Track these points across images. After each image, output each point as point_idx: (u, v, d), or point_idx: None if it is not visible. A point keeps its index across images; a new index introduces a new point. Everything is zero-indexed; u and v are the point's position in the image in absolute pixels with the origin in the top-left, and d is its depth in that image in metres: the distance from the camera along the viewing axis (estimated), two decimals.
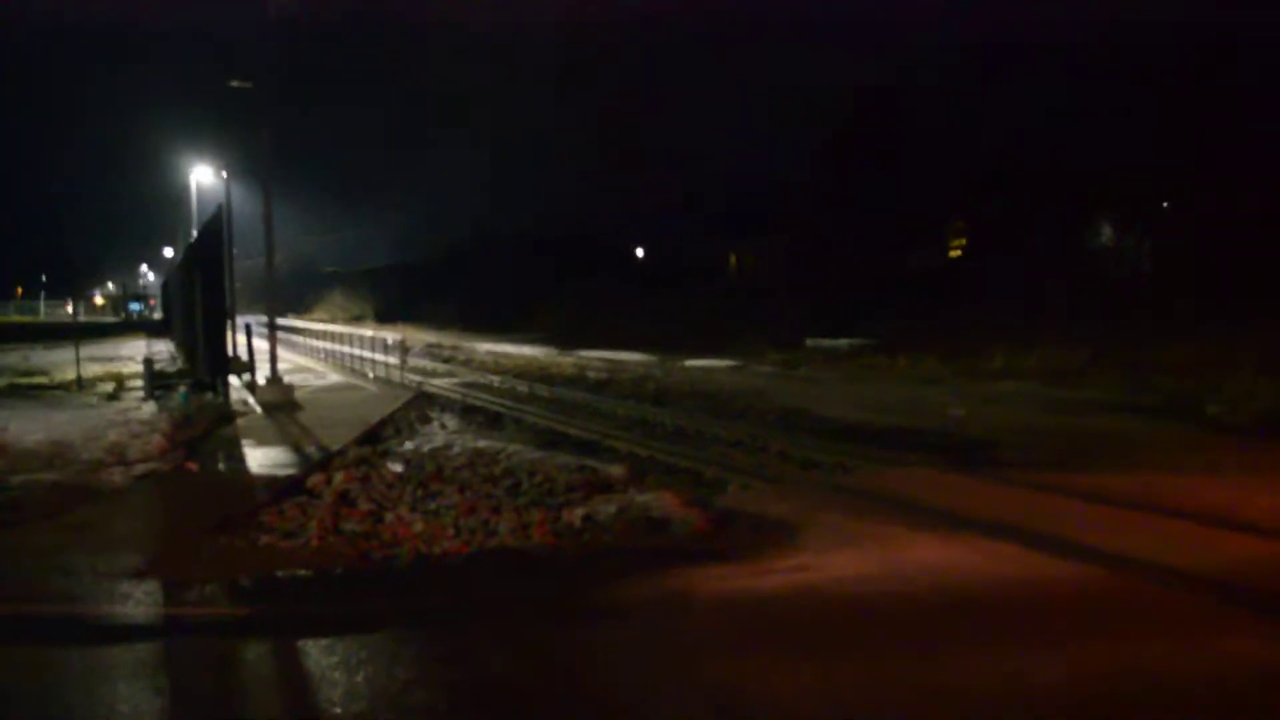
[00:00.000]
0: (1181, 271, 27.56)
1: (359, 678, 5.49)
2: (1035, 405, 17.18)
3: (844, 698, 5.20)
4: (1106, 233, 33.38)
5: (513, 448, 13.82)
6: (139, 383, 21.12)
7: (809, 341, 31.37)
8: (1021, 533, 8.24)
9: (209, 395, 19.03)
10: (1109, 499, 9.48)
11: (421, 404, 20.01)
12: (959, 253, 40.12)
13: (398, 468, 12.49)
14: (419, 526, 9.30)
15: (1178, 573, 7.09)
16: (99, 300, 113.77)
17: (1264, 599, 6.56)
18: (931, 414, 16.42)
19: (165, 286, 64.70)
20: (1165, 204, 32.01)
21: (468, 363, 32.77)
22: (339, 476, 11.55)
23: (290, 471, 11.94)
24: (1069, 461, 11.83)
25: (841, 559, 7.77)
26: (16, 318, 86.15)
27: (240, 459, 12.99)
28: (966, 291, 32.02)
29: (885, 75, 38.94)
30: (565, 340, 40.15)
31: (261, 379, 20.40)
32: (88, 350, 30.54)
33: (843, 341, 30.23)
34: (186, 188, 42.99)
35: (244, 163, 31.55)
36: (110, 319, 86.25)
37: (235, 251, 26.62)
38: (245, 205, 34.93)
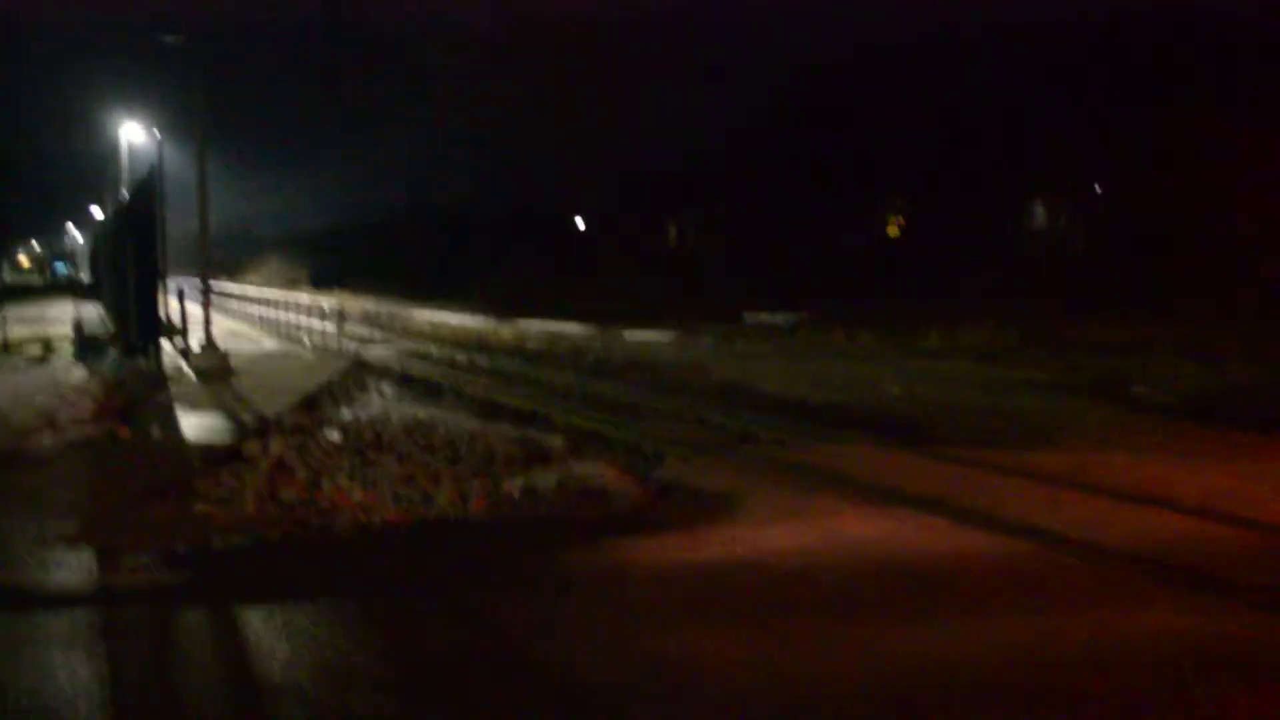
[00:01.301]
0: (1111, 254, 28.19)
1: (298, 645, 5.50)
2: (968, 383, 17.49)
3: (779, 665, 5.32)
4: (1040, 215, 33.98)
5: (451, 417, 13.76)
6: (68, 346, 20.71)
7: (747, 316, 31.57)
8: (954, 508, 8.44)
9: (141, 360, 18.71)
10: (1039, 476, 9.74)
11: (359, 372, 19.83)
12: (897, 231, 40.58)
13: (335, 436, 12.38)
14: (357, 495, 9.26)
15: (1104, 548, 7.33)
16: (24, 261, 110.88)
17: (1186, 574, 6.80)
18: (867, 390, 16.64)
19: (94, 248, 63.17)
20: (1097, 188, 32.64)
21: (406, 331, 32.53)
22: (275, 444, 11.42)
23: (226, 439, 11.82)
24: (1000, 439, 12.09)
25: (778, 531, 7.90)
26: None
27: (174, 425, 12.82)
28: (904, 269, 32.45)
29: (829, 53, 39.11)
30: (504, 310, 39.93)
31: (195, 344, 20.09)
32: (13, 312, 29.81)
33: (780, 317, 30.47)
34: (117, 145, 41.95)
35: (178, 121, 30.85)
36: (36, 280, 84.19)
37: (168, 213, 26.08)
38: (179, 165, 34.19)
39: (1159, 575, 6.81)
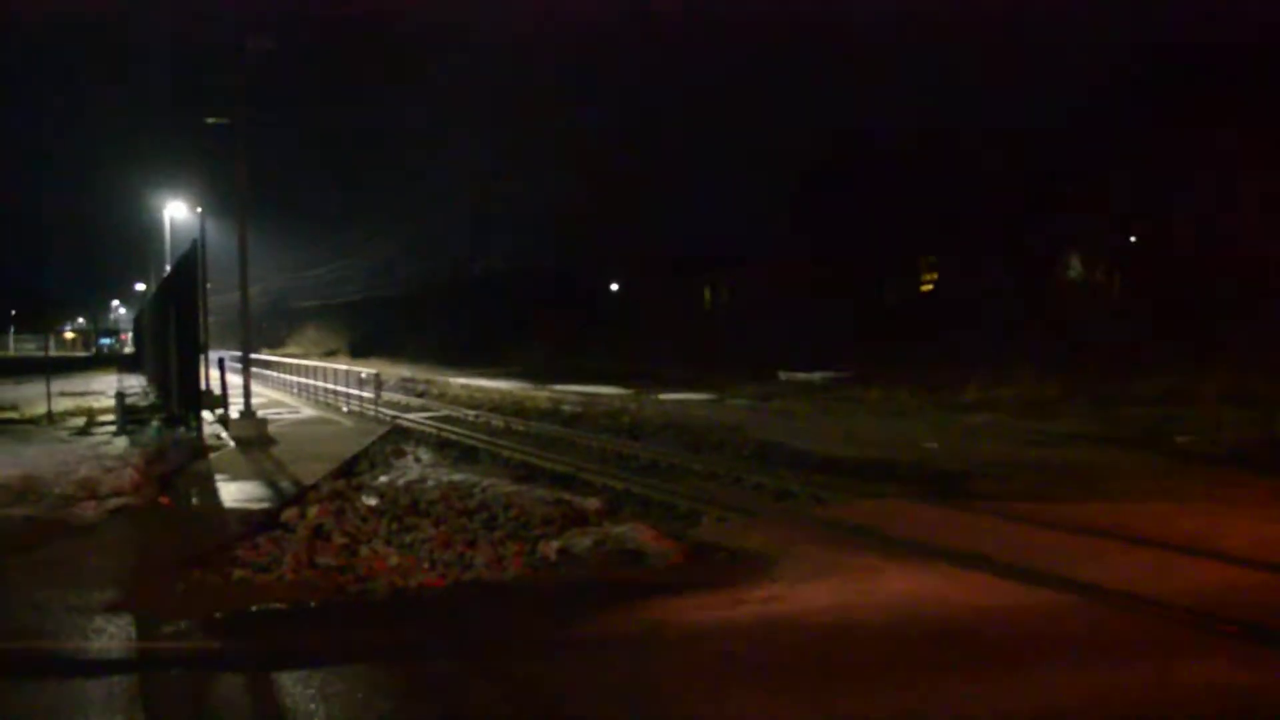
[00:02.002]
0: (1151, 304, 27.93)
1: (335, 709, 5.48)
2: (1008, 437, 17.31)
3: None
4: (1076, 267, 33.78)
5: (488, 481, 13.79)
6: (110, 417, 20.97)
7: (782, 374, 31.53)
8: (995, 563, 8.30)
9: (182, 430, 18.90)
10: (1081, 529, 9.57)
11: (396, 438, 19.96)
12: (931, 287, 40.44)
13: (372, 501, 12.44)
14: (394, 560, 9.28)
15: (1150, 600, 7.17)
16: (69, 335, 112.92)
17: (1234, 626, 6.64)
18: (905, 446, 16.51)
19: (138, 321, 64.30)
20: (1133, 239, 32.45)
21: (442, 397, 32.71)
22: (313, 510, 11.50)
23: (264, 506, 11.88)
24: (1042, 492, 11.92)
25: (816, 589, 7.81)
26: None
27: (214, 493, 12.92)
28: (939, 325, 32.30)
29: (861, 112, 39.41)
30: (540, 375, 40.12)
31: (235, 413, 20.30)
32: (58, 385, 30.22)
33: (816, 375, 30.40)
34: (160, 222, 42.87)
35: (219, 198, 31.58)
36: (81, 353, 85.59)
37: (209, 287, 26.52)
38: (220, 241, 34.84)
39: (1209, 627, 6.66)
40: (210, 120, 23.18)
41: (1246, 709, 5.34)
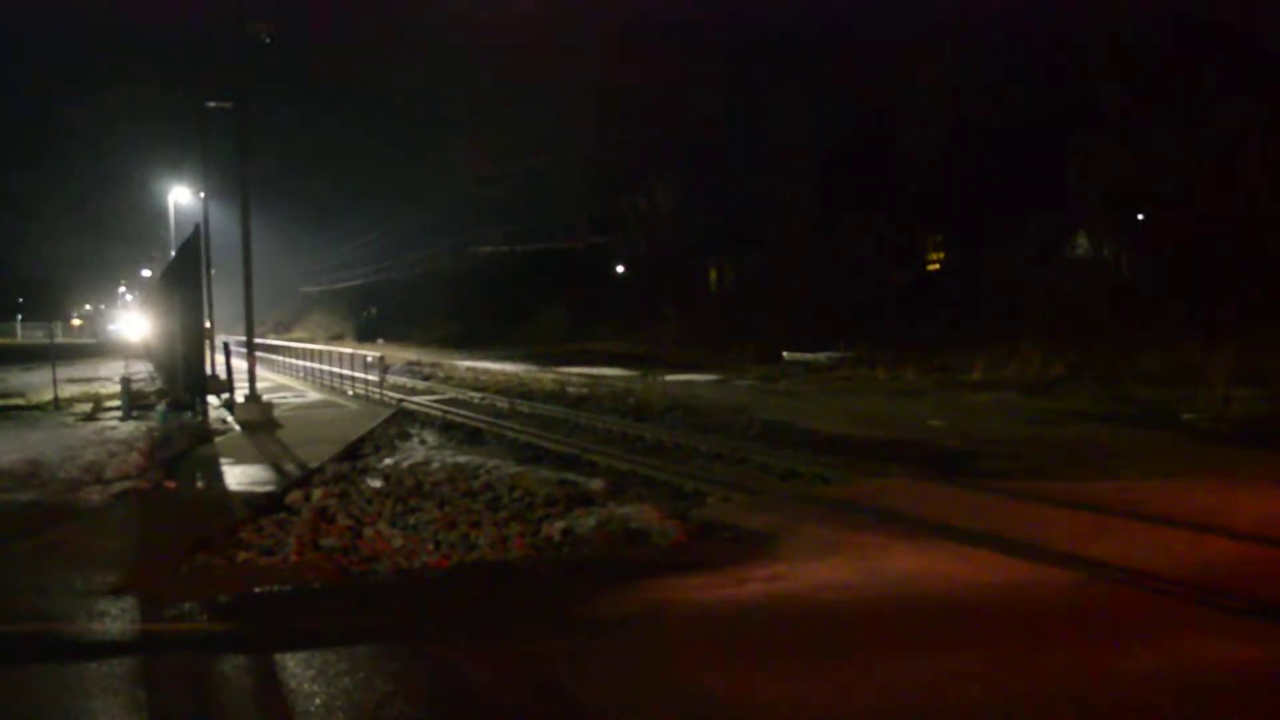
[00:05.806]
0: (1157, 282, 27.81)
1: (337, 690, 5.46)
2: (1014, 416, 17.26)
3: (822, 705, 5.20)
4: (1083, 245, 33.61)
5: (492, 463, 13.78)
6: (117, 403, 20.99)
7: (786, 355, 31.48)
8: (1001, 540, 8.27)
9: (187, 414, 18.93)
10: (1088, 506, 9.53)
11: (401, 421, 19.96)
12: (937, 266, 40.29)
13: (377, 484, 12.45)
14: (398, 541, 9.28)
15: (1157, 577, 7.14)
16: (76, 321, 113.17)
17: (1242, 601, 6.61)
18: (910, 425, 16.47)
19: (144, 307, 64.31)
20: (1141, 216, 32.26)
21: (448, 380, 32.70)
22: (318, 493, 11.51)
23: (269, 489, 11.88)
24: (1048, 470, 11.89)
25: (820, 568, 7.78)
26: None
27: (219, 477, 12.92)
28: (945, 305, 32.21)
29: (869, 94, 39.12)
30: (546, 357, 40.14)
31: (240, 398, 20.30)
32: (65, 371, 30.33)
33: (822, 355, 30.35)
34: (165, 208, 42.83)
35: (223, 183, 31.49)
36: (88, 340, 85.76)
37: (214, 272, 26.47)
38: (224, 226, 34.81)
39: (1216, 603, 6.62)
40: (212, 104, 23.11)
41: (1254, 684, 5.30)
